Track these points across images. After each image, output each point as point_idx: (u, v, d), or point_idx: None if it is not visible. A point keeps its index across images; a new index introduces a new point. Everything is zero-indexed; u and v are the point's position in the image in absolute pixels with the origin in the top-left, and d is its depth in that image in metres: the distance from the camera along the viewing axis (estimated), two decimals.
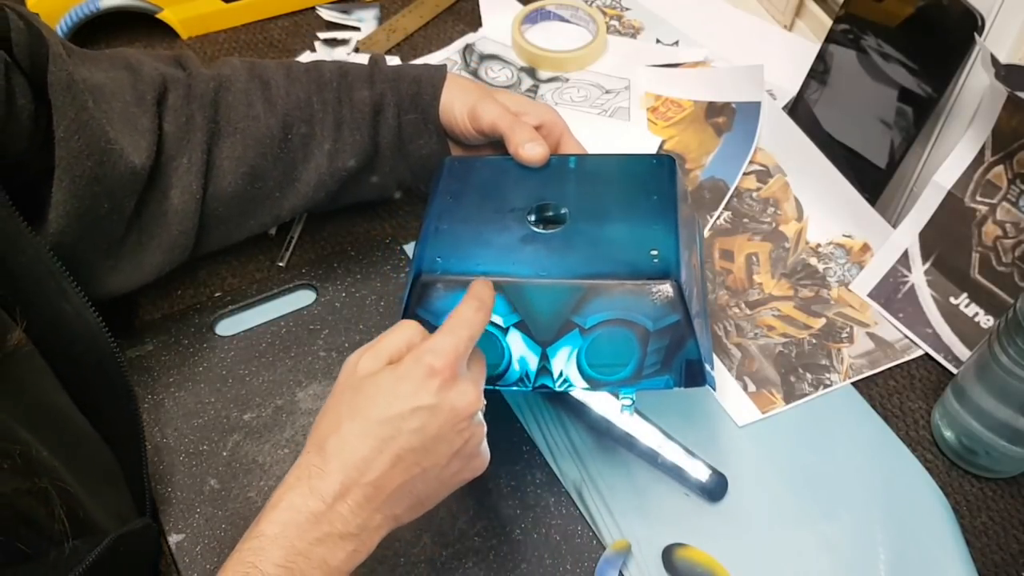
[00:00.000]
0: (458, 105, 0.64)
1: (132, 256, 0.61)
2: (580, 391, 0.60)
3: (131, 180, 0.58)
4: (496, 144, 0.63)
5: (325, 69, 0.66)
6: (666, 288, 0.51)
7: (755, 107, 0.82)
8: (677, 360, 0.53)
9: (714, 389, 0.55)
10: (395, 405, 0.46)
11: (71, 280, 0.54)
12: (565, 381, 0.54)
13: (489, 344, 0.53)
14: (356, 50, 0.91)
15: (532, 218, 0.56)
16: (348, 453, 0.45)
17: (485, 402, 0.50)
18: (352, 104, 0.65)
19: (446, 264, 0.53)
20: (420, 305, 0.53)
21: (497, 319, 0.52)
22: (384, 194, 0.70)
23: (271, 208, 0.66)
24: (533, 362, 0.54)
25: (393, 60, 0.89)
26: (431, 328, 0.52)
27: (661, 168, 0.59)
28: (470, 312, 0.49)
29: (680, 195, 0.57)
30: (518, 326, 0.53)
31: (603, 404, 0.62)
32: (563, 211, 0.56)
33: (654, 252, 0.52)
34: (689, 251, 0.56)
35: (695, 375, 0.53)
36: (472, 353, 0.50)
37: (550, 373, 0.54)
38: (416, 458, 0.46)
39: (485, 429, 0.50)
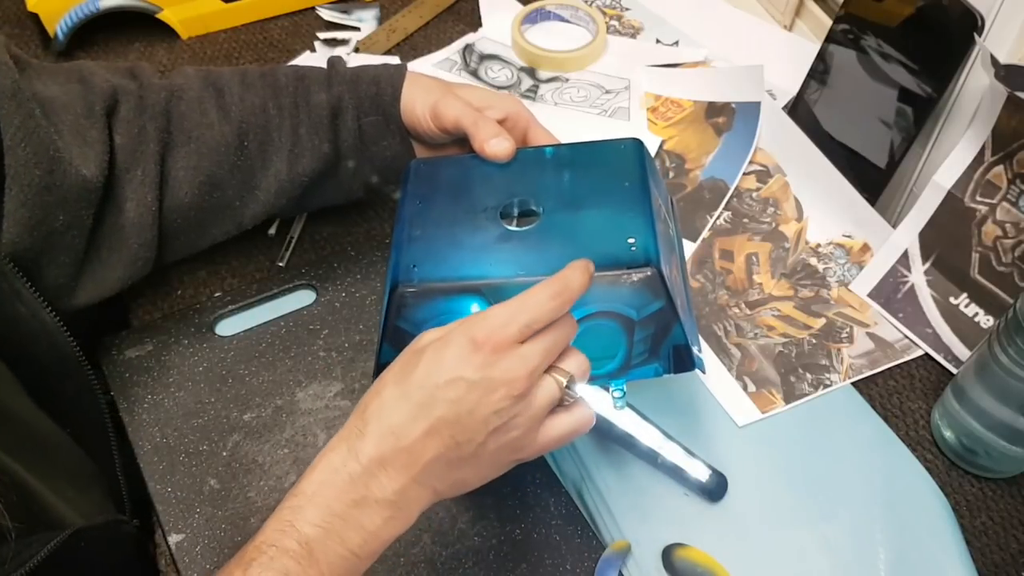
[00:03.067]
0: (419, 104, 0.63)
1: (93, 272, 0.60)
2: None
3: (84, 192, 0.57)
4: (462, 141, 0.61)
5: (281, 74, 0.65)
6: (647, 275, 0.50)
7: (755, 107, 0.82)
8: (664, 347, 0.52)
9: (703, 372, 0.54)
10: (434, 374, 0.45)
11: (25, 281, 0.53)
12: None
13: None
14: (356, 50, 0.91)
15: (506, 215, 0.55)
16: (385, 417, 0.45)
17: (563, 384, 0.47)
18: (309, 108, 0.64)
19: (422, 272, 0.52)
20: (399, 317, 0.52)
21: None
22: (351, 197, 0.69)
23: (232, 216, 0.65)
24: None
25: (393, 60, 0.90)
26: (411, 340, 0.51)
27: (629, 152, 0.57)
28: (542, 296, 0.46)
29: (651, 176, 0.56)
30: None
31: (602, 404, 0.62)
32: (536, 206, 0.55)
33: (631, 240, 0.51)
34: (666, 232, 0.55)
35: (683, 360, 0.53)
36: (548, 333, 0.47)
37: None
38: (451, 431, 0.45)
39: (541, 413, 0.47)
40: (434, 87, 0.64)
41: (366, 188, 0.69)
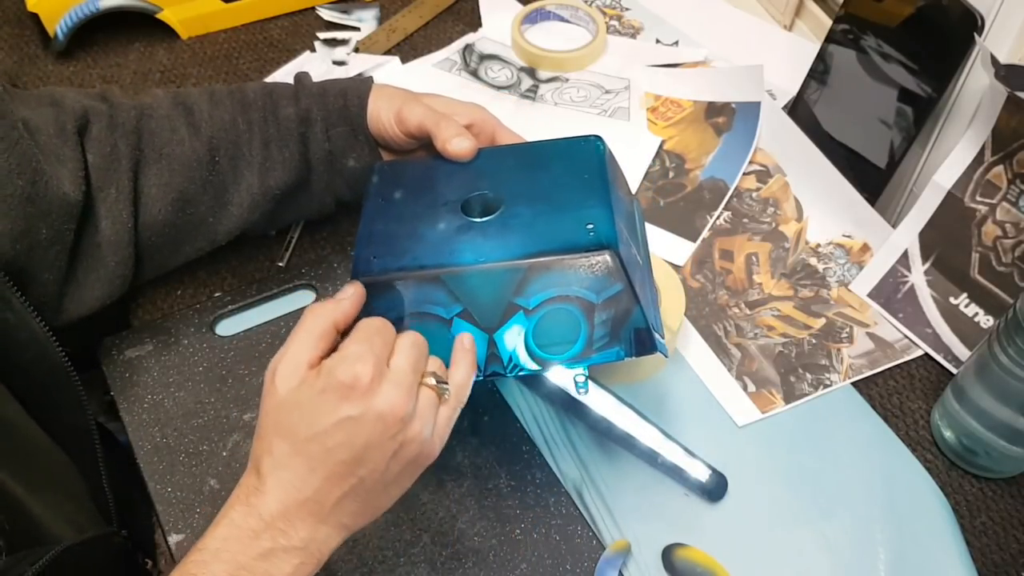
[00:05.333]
0: (385, 112, 0.64)
1: (73, 292, 0.60)
2: (557, 371, 0.59)
3: (66, 206, 0.57)
4: (429, 147, 0.62)
5: (249, 90, 0.66)
6: (605, 259, 0.50)
7: (755, 107, 0.82)
8: (625, 330, 0.53)
9: (666, 356, 0.54)
10: (319, 421, 0.45)
11: (15, 290, 0.53)
12: (516, 365, 0.54)
13: (435, 338, 0.52)
14: (356, 50, 0.91)
15: (466, 209, 0.55)
16: (282, 473, 0.46)
17: (435, 385, 0.49)
18: (278, 122, 0.65)
19: (382, 263, 0.52)
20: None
21: (440, 311, 0.52)
22: (323, 211, 0.69)
23: (206, 232, 0.65)
24: (481, 350, 0.54)
25: (393, 60, 0.90)
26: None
27: (589, 148, 0.59)
28: (377, 322, 0.49)
29: (611, 172, 0.57)
30: (462, 316, 0.52)
31: (603, 404, 0.62)
32: (496, 199, 0.56)
33: (589, 225, 0.52)
34: (627, 225, 0.56)
35: (644, 343, 0.53)
36: (400, 351, 0.48)
37: (500, 359, 0.54)
38: (350, 469, 0.46)
39: (430, 421, 0.48)
40: (398, 95, 0.65)
41: (337, 200, 0.69)
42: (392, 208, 0.57)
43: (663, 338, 0.55)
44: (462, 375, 0.51)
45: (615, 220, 0.53)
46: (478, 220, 0.54)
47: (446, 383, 0.50)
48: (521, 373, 0.54)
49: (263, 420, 0.47)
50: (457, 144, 0.59)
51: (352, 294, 0.50)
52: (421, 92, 0.66)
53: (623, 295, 0.51)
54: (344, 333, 0.50)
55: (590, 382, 0.62)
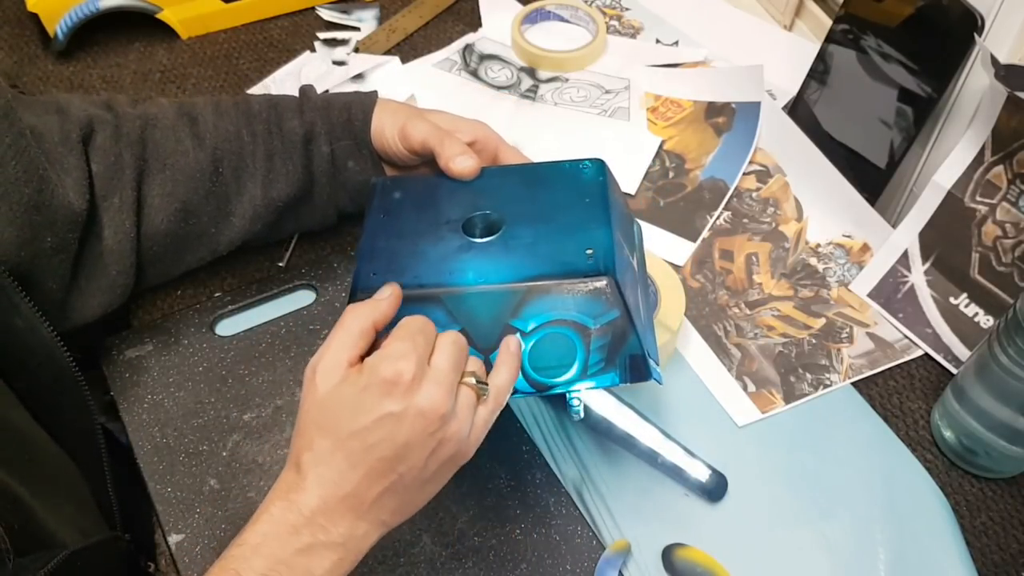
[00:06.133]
0: (388, 127, 0.64)
1: (75, 300, 0.60)
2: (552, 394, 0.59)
3: (70, 215, 0.57)
4: (432, 164, 0.62)
5: (254, 102, 0.66)
6: (603, 284, 0.51)
7: (755, 107, 0.82)
8: (620, 356, 0.53)
9: (660, 383, 0.54)
10: (361, 418, 0.46)
11: (23, 294, 0.53)
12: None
13: None
14: (356, 50, 0.91)
15: (468, 228, 0.56)
16: (322, 469, 0.46)
17: (475, 385, 0.49)
18: (283, 134, 0.65)
19: (382, 279, 0.52)
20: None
21: (438, 330, 0.52)
22: (325, 222, 0.70)
23: (207, 243, 0.66)
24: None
25: (393, 60, 0.90)
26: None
27: (591, 171, 0.59)
28: (419, 320, 0.49)
29: (612, 195, 0.57)
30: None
31: (603, 404, 0.62)
32: (497, 219, 0.56)
33: (589, 251, 0.52)
34: (626, 249, 0.56)
35: (639, 370, 0.53)
36: (441, 349, 0.49)
37: None
38: (390, 465, 0.46)
39: (468, 420, 0.49)
40: (402, 111, 0.65)
41: (340, 213, 0.70)
42: (394, 224, 0.57)
43: (658, 365, 0.55)
44: (503, 378, 0.51)
45: (615, 246, 0.53)
46: (479, 240, 0.54)
47: (485, 384, 0.50)
48: (516, 396, 0.54)
49: (303, 417, 0.47)
50: (461, 163, 0.59)
51: (390, 294, 0.51)
52: (425, 108, 0.66)
53: (620, 321, 0.52)
54: (381, 333, 0.50)
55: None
